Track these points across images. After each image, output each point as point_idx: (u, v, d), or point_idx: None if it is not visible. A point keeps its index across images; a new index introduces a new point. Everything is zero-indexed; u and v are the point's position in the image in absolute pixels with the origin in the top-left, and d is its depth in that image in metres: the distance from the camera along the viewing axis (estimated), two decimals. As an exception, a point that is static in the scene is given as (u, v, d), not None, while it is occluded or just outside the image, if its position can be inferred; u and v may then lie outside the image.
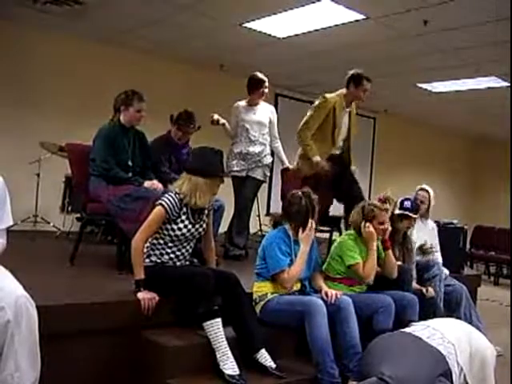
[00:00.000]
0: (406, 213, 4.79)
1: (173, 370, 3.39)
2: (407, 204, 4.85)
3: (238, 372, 3.34)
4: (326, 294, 3.93)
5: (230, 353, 3.39)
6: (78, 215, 6.42)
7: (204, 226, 3.96)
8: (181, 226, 3.78)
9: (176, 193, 3.77)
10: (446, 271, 5.36)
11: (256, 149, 5.90)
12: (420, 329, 3.92)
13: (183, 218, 3.78)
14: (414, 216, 4.85)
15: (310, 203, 4.02)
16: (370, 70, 8.16)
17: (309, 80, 9.35)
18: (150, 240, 3.78)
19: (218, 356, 3.37)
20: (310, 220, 3.99)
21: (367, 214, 4.36)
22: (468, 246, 10.28)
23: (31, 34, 7.46)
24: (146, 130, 5.12)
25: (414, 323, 4.13)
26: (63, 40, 7.64)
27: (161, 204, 3.70)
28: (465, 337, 3.88)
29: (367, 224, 4.31)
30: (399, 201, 4.88)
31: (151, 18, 6.81)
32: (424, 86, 9.03)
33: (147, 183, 4.59)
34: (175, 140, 5.49)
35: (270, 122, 6.06)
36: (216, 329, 3.40)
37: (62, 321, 3.27)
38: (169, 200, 3.72)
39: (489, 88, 8.61)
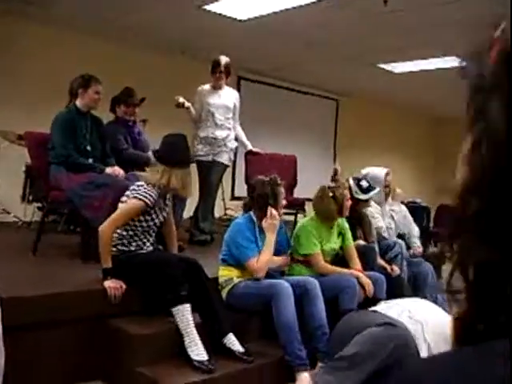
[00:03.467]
0: (369, 196, 4.82)
1: (142, 357, 3.39)
2: (364, 184, 4.86)
3: (206, 357, 3.35)
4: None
5: (198, 338, 3.39)
6: (40, 204, 6.31)
7: (167, 210, 3.94)
8: (153, 216, 3.77)
9: (154, 186, 3.72)
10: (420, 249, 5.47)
11: (222, 133, 5.87)
12: (387, 307, 3.96)
13: (156, 209, 3.77)
14: (372, 194, 4.90)
15: (272, 189, 4.01)
16: (331, 51, 8.22)
17: (271, 63, 9.31)
18: (118, 230, 3.74)
19: (186, 342, 3.37)
20: (270, 209, 3.98)
21: (339, 199, 4.36)
22: (431, 224, 10.42)
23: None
24: (106, 117, 5.08)
25: (382, 302, 4.17)
26: (22, 26, 7.47)
27: (140, 199, 3.65)
28: (432, 315, 3.93)
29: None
30: (353, 182, 4.88)
31: (110, 3, 6.70)
32: (384, 66, 9.06)
33: (109, 169, 4.55)
34: (125, 120, 5.43)
35: (235, 106, 6.02)
36: (185, 314, 3.40)
37: (26, 312, 3.24)
38: (148, 194, 3.67)
39: (446, 68, 8.67)
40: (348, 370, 3.12)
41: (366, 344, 3.23)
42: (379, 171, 5.36)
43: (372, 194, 4.89)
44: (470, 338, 0.53)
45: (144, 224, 3.76)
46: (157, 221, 3.82)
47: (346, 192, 4.45)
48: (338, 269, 4.32)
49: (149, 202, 3.66)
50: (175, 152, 3.81)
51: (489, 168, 0.50)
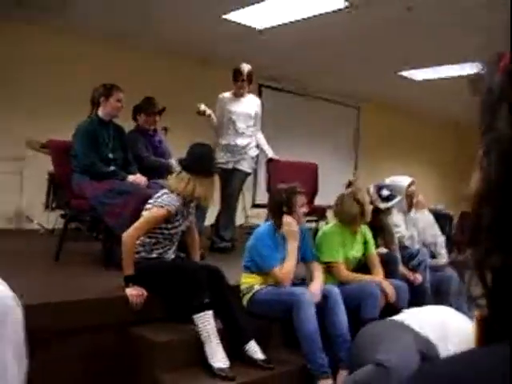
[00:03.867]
0: (389, 205, 4.79)
1: (162, 365, 3.38)
2: (385, 193, 4.83)
3: (227, 365, 3.35)
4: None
5: (219, 346, 3.39)
6: (63, 212, 6.36)
7: (190, 219, 3.95)
8: (176, 224, 3.78)
9: (178, 194, 3.74)
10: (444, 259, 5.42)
11: (243, 141, 5.87)
12: (410, 316, 3.93)
13: (179, 217, 3.77)
14: (393, 203, 4.87)
15: (288, 199, 4.00)
16: (353, 58, 8.20)
17: (293, 70, 9.31)
18: (141, 238, 3.75)
19: (207, 349, 3.37)
20: (284, 217, 3.97)
21: (361, 200, 4.33)
22: (453, 231, 10.31)
23: (12, 28, 7.35)
24: (128, 126, 5.13)
25: (404, 310, 4.13)
26: (45, 35, 7.54)
27: (164, 207, 3.67)
28: (455, 324, 3.89)
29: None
30: (373, 190, 4.85)
31: (130, 12, 6.75)
32: (406, 73, 9.02)
33: (131, 177, 4.58)
34: (146, 128, 5.45)
35: (256, 114, 6.02)
36: (207, 321, 3.40)
37: (49, 319, 3.25)
38: (174, 204, 3.70)
39: (470, 75, 8.62)
40: None
41: (357, 383, 3.22)
42: (403, 180, 5.31)
43: (392, 203, 4.84)
44: (489, 339, 0.54)
45: (166, 232, 3.78)
46: (179, 229, 3.83)
47: (367, 196, 4.43)
48: (360, 276, 4.30)
49: (172, 211, 3.67)
50: (201, 161, 3.82)
51: (498, 177, 0.51)
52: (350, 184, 4.95)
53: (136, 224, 3.65)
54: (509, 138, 0.51)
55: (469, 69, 8.22)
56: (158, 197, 3.76)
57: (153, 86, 7.13)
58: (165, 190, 3.80)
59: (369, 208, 4.37)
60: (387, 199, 4.82)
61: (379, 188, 4.89)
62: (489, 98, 0.54)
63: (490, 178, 0.53)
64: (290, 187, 4.07)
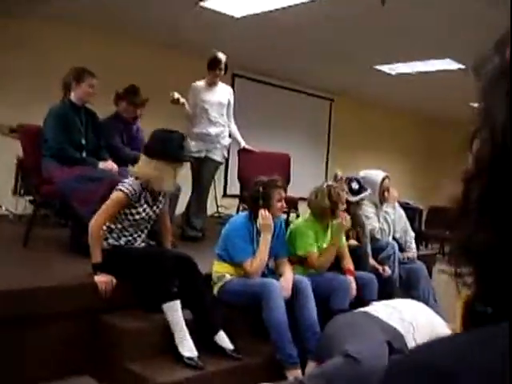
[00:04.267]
0: (358, 198, 4.82)
1: (132, 352, 3.38)
2: (355, 186, 4.86)
3: (196, 354, 3.35)
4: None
5: (188, 335, 3.38)
6: (31, 198, 6.27)
7: (160, 206, 3.92)
8: (140, 210, 3.74)
9: (136, 177, 3.71)
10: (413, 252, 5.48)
11: (216, 130, 5.85)
12: (379, 308, 3.97)
13: (142, 202, 3.74)
14: (363, 196, 4.91)
15: (265, 192, 3.99)
16: (327, 50, 8.21)
17: (266, 60, 9.30)
18: (107, 223, 3.71)
19: (176, 338, 3.37)
20: (261, 209, 3.95)
21: (334, 197, 4.33)
22: (423, 225, 10.43)
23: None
24: (102, 112, 5.07)
25: (373, 302, 4.17)
26: (17, 17, 7.41)
27: (121, 190, 3.64)
28: (424, 319, 3.94)
29: (346, 216, 4.29)
30: (344, 182, 4.89)
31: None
32: (380, 67, 9.05)
33: (102, 164, 4.54)
34: (125, 117, 5.40)
35: (229, 103, 6.00)
36: (175, 311, 3.39)
37: (15, 305, 3.21)
38: (130, 186, 3.66)
39: (444, 70, 8.68)
40: None
41: (325, 375, 3.25)
42: (377, 175, 5.36)
43: (361, 196, 4.88)
44: (475, 321, 0.54)
45: (131, 217, 3.74)
46: (144, 215, 3.77)
47: (343, 194, 4.43)
48: (330, 252, 4.31)
49: (129, 194, 3.63)
50: (159, 145, 3.78)
51: (488, 154, 0.52)
52: (335, 177, 4.96)
53: (99, 211, 3.62)
54: (500, 115, 0.51)
55: (443, 64, 8.31)
56: (118, 181, 3.75)
57: (126, 73, 7.07)
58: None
59: (341, 207, 4.38)
60: (357, 192, 4.85)
61: (350, 180, 4.92)
62: (487, 82, 0.55)
63: (480, 155, 0.53)
64: (269, 180, 4.05)
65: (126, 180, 3.74)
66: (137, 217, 3.75)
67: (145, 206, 3.77)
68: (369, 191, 4.97)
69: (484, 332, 0.49)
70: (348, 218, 4.30)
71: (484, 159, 0.52)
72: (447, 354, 0.49)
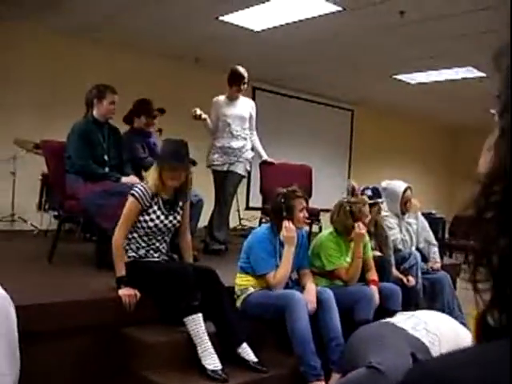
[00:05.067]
0: (372, 202, 4.82)
1: (155, 366, 3.38)
2: (368, 192, 4.87)
3: (220, 367, 3.34)
4: None
5: (211, 348, 3.38)
6: (56, 213, 6.35)
7: (178, 218, 3.93)
8: (153, 216, 3.75)
9: (146, 182, 3.77)
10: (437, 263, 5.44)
11: (238, 143, 5.88)
12: (403, 319, 3.94)
13: (155, 208, 3.76)
14: (379, 200, 4.90)
15: (286, 202, 3.99)
16: (347, 61, 8.23)
17: (287, 73, 9.33)
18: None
19: (199, 351, 3.37)
20: (284, 220, 3.95)
21: (356, 214, 4.33)
22: (447, 235, 10.35)
23: (2, 25, 7.32)
24: (120, 126, 5.14)
25: (397, 313, 4.15)
26: (36, 33, 7.52)
27: (132, 194, 3.70)
28: (449, 330, 3.91)
29: (359, 225, 4.28)
30: (359, 191, 4.92)
31: (126, 10, 6.74)
32: (400, 77, 9.05)
33: (125, 179, 4.58)
34: (142, 130, 5.44)
35: (251, 116, 6.03)
36: (197, 324, 3.39)
37: (41, 320, 3.24)
38: (139, 189, 3.72)
39: (464, 78, 8.65)
40: None
41: None
42: (399, 185, 5.34)
43: (374, 201, 4.89)
44: (487, 335, 0.53)
45: (144, 225, 3.75)
46: (158, 222, 3.78)
47: (365, 208, 4.43)
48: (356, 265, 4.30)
49: (139, 197, 3.67)
50: (164, 153, 3.87)
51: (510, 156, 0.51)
52: (353, 190, 4.97)
53: (119, 223, 3.68)
54: None
55: (462, 73, 8.28)
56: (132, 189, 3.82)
57: (145, 87, 7.14)
58: None
59: (365, 220, 4.38)
60: (370, 198, 4.86)
61: (364, 189, 4.94)
62: (508, 76, 0.54)
63: (503, 157, 0.52)
64: (289, 191, 4.05)
65: (137, 185, 3.81)
66: (150, 224, 3.76)
67: (158, 212, 3.78)
68: (382, 199, 4.99)
69: (494, 346, 0.49)
70: (361, 225, 4.27)
71: (507, 161, 0.51)
72: (457, 365, 0.49)
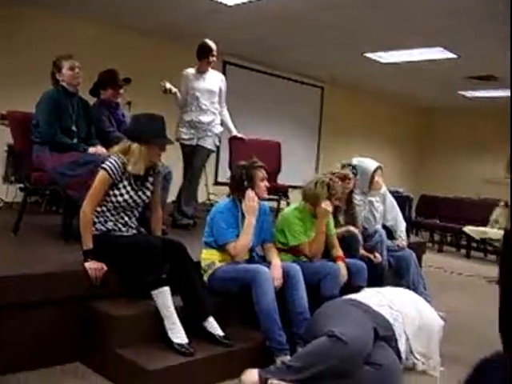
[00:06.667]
0: (344, 172, 4.85)
1: (122, 339, 3.38)
2: (349, 168, 4.92)
3: (186, 341, 3.36)
4: None
5: (178, 321, 3.39)
6: (22, 185, 6.26)
7: (148, 193, 3.90)
8: (123, 191, 3.71)
9: (117, 156, 3.71)
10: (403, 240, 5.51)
11: (207, 118, 5.84)
12: (368, 295, 4.01)
13: (125, 183, 3.72)
14: (357, 177, 4.94)
15: (248, 173, 4.01)
16: (318, 38, 8.20)
17: (258, 48, 9.27)
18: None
19: (166, 325, 3.38)
20: (248, 191, 3.97)
21: (331, 191, 4.35)
22: (413, 214, 10.48)
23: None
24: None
25: (363, 289, 4.21)
26: (7, 4, 7.36)
27: (103, 168, 3.64)
28: (413, 308, 3.99)
29: (327, 202, 4.30)
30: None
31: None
32: (371, 55, 9.06)
33: (91, 149, 4.54)
34: (109, 102, 5.35)
35: (220, 90, 5.99)
36: (164, 297, 3.39)
37: (5, 292, 3.21)
38: (111, 163, 3.65)
39: (434, 59, 8.70)
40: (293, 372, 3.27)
41: (310, 355, 3.31)
42: (370, 164, 5.38)
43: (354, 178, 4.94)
44: None
45: (114, 199, 3.70)
46: (128, 197, 3.73)
47: (339, 187, 4.46)
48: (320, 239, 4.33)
49: (109, 170, 3.62)
50: (133, 126, 3.84)
51: None
52: (343, 167, 5.00)
53: (87, 195, 3.63)
54: None
55: (433, 53, 8.32)
56: (102, 162, 3.74)
57: (115, 60, 7.04)
58: None
59: (335, 201, 4.41)
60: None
61: (343, 167, 4.97)
62: None
63: None
64: (249, 162, 4.08)
65: (108, 159, 3.73)
66: (120, 199, 3.71)
67: (128, 188, 3.74)
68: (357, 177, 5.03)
69: None
70: (328, 202, 4.29)
71: None
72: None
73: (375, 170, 5.35)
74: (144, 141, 3.71)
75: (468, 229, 10.04)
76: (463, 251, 10.78)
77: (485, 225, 10.12)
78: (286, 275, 3.84)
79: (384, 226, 5.42)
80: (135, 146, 3.70)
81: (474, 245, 10.57)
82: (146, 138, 3.71)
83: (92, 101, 5.21)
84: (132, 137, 3.74)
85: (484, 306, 5.99)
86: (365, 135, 12.60)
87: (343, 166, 5.12)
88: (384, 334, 3.66)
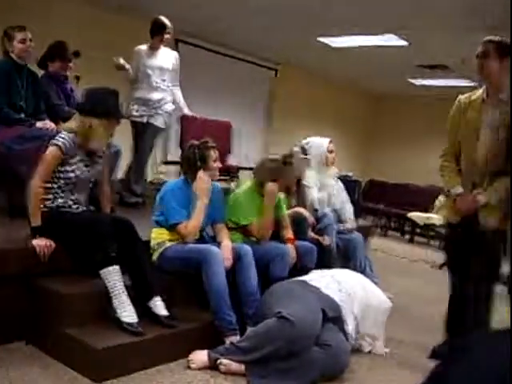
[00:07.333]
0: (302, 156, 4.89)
1: (69, 318, 3.33)
2: (297, 149, 4.96)
3: (135, 320, 3.33)
4: None
5: (128, 300, 3.36)
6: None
7: (100, 168, 3.84)
8: (74, 167, 3.63)
9: (71, 132, 3.62)
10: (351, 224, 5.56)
11: (157, 95, 5.77)
12: (317, 277, 4.06)
13: (77, 159, 3.64)
14: (308, 157, 4.98)
15: (200, 154, 3.99)
16: (271, 20, 8.17)
17: (212, 28, 9.17)
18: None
19: (115, 304, 3.33)
20: (199, 172, 3.95)
21: (281, 173, 4.35)
22: (361, 198, 10.60)
23: None
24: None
25: (312, 271, 4.25)
26: None
27: (56, 144, 3.54)
28: (361, 289, 4.06)
29: (275, 183, 4.30)
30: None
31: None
32: (324, 40, 9.06)
33: (39, 124, 4.43)
34: (57, 75, 5.21)
35: (173, 68, 5.92)
36: (113, 276, 3.34)
37: None
38: (64, 139, 3.56)
39: (385, 46, 8.77)
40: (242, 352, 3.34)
41: (260, 336, 3.36)
42: (321, 141, 5.43)
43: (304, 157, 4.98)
44: None
45: (65, 175, 3.62)
46: (79, 173, 3.65)
47: (293, 173, 4.48)
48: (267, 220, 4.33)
49: (62, 146, 3.53)
50: (89, 101, 3.72)
51: None
52: (302, 150, 5.03)
53: (37, 171, 3.53)
54: None
55: (384, 40, 8.38)
56: (53, 137, 3.65)
57: (67, 33, 6.87)
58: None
59: (285, 182, 4.42)
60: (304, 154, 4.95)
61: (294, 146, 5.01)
62: None
63: None
64: (202, 142, 4.06)
65: (60, 134, 3.63)
66: (71, 175, 3.63)
67: (80, 164, 3.66)
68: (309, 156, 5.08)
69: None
70: (277, 183, 4.30)
71: None
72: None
73: (327, 144, 5.41)
74: (104, 116, 3.64)
75: (412, 214, 10.21)
76: (407, 236, 11.01)
77: (429, 211, 10.32)
78: (237, 256, 3.84)
79: (333, 209, 5.47)
80: (96, 122, 3.61)
81: (418, 230, 10.79)
82: (106, 112, 3.65)
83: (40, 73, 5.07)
84: (90, 112, 3.64)
85: (427, 290, 6.16)
86: (315, 118, 12.65)
87: (296, 147, 5.15)
88: (332, 315, 3.71)
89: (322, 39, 9.01)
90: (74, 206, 3.73)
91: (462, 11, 6.22)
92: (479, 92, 3.71)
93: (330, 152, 5.42)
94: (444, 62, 9.54)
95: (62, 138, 3.57)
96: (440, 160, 3.92)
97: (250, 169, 4.53)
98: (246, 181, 4.74)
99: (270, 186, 4.27)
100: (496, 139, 3.53)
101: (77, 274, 3.60)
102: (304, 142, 5.42)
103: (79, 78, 6.10)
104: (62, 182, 3.64)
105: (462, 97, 3.81)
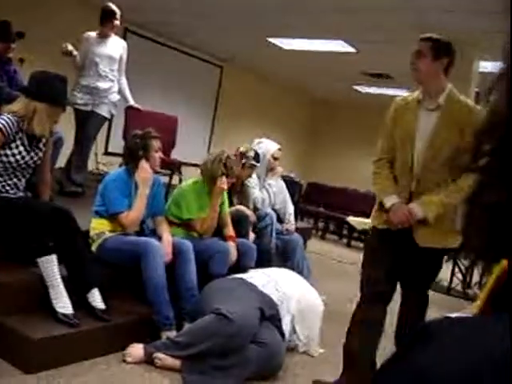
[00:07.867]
0: (253, 163, 4.89)
1: (6, 307, 3.23)
2: (251, 154, 4.94)
3: (71, 311, 3.28)
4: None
5: (64, 291, 3.30)
6: None
7: (40, 154, 3.74)
8: (15, 151, 3.53)
9: (13, 114, 3.51)
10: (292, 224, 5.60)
11: (104, 84, 5.69)
12: (256, 276, 4.07)
13: (18, 143, 3.54)
14: (257, 165, 4.99)
15: (143, 143, 3.97)
16: (223, 18, 8.15)
17: (162, 20, 9.09)
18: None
19: (51, 294, 3.27)
20: (141, 161, 3.93)
21: (228, 169, 4.34)
22: (301, 200, 10.68)
23: None
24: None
25: (251, 270, 4.27)
26: None
27: None
28: (298, 290, 4.10)
29: (222, 180, 4.30)
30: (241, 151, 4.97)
31: None
32: (274, 41, 9.09)
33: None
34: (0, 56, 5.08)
35: (121, 58, 5.84)
36: (50, 265, 3.28)
37: None
38: (5, 121, 3.46)
39: (334, 52, 8.86)
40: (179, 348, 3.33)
41: (197, 332, 3.36)
42: (272, 146, 5.46)
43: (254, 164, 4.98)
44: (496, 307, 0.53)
45: (4, 159, 3.51)
46: (19, 158, 3.56)
47: (236, 168, 4.48)
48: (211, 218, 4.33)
49: (3, 129, 3.43)
50: (36, 85, 3.64)
51: (504, 107, 0.51)
52: (242, 157, 5.01)
53: None
54: None
55: (333, 46, 8.47)
56: None
57: (10, 15, 6.69)
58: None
59: (229, 180, 4.42)
60: (255, 160, 4.96)
61: (247, 151, 5.01)
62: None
63: (497, 109, 0.52)
64: (145, 132, 4.04)
65: (1, 116, 3.53)
66: (11, 159, 3.53)
67: (21, 148, 3.57)
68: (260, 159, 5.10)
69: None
70: (224, 179, 4.30)
71: (500, 112, 0.52)
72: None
73: (275, 151, 5.43)
74: (50, 101, 3.55)
75: (351, 219, 10.36)
76: (345, 240, 11.14)
77: (367, 216, 10.46)
78: (177, 251, 3.83)
79: (273, 209, 5.50)
80: (41, 106, 3.53)
81: (356, 235, 10.94)
82: (52, 98, 3.57)
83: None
84: (36, 96, 3.55)
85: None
86: (259, 118, 12.70)
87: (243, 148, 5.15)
88: (269, 313, 3.73)
89: (272, 40, 9.04)
90: (12, 191, 3.63)
91: (409, 26, 6.34)
92: (416, 93, 3.31)
93: (275, 159, 5.44)
94: (390, 71, 9.72)
95: (3, 119, 3.47)
96: (373, 166, 3.41)
97: (194, 165, 4.50)
98: (191, 177, 4.71)
99: (222, 183, 4.27)
100: (430, 145, 3.15)
101: (12, 261, 3.50)
102: (256, 141, 5.43)
103: (23, 60, 5.95)
104: (1, 165, 3.53)
105: (398, 99, 3.42)
